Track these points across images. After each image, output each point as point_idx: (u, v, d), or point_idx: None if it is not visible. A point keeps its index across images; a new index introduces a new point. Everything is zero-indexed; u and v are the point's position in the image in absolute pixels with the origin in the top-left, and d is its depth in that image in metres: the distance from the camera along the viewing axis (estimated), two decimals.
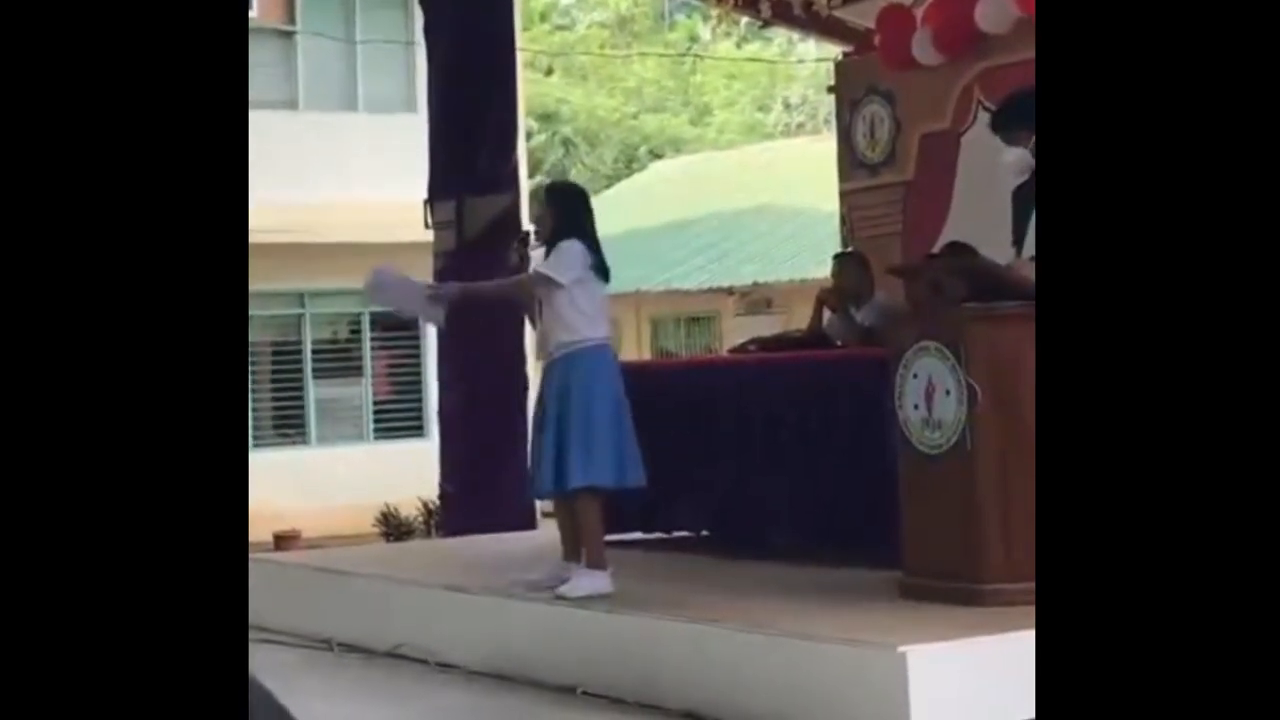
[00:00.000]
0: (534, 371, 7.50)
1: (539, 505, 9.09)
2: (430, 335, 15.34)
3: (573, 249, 6.37)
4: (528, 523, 9.34)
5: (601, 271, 6.40)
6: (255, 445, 17.84)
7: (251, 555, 11.11)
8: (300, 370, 18.36)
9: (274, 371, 18.46)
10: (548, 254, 6.51)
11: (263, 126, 16.91)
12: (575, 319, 6.35)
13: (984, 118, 7.69)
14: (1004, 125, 5.97)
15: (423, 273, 12.90)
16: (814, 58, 25.34)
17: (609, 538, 6.60)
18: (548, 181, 10.61)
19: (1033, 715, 3.11)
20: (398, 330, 18.50)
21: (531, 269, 6.46)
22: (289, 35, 18.42)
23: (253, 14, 17.43)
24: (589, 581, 6.23)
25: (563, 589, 6.21)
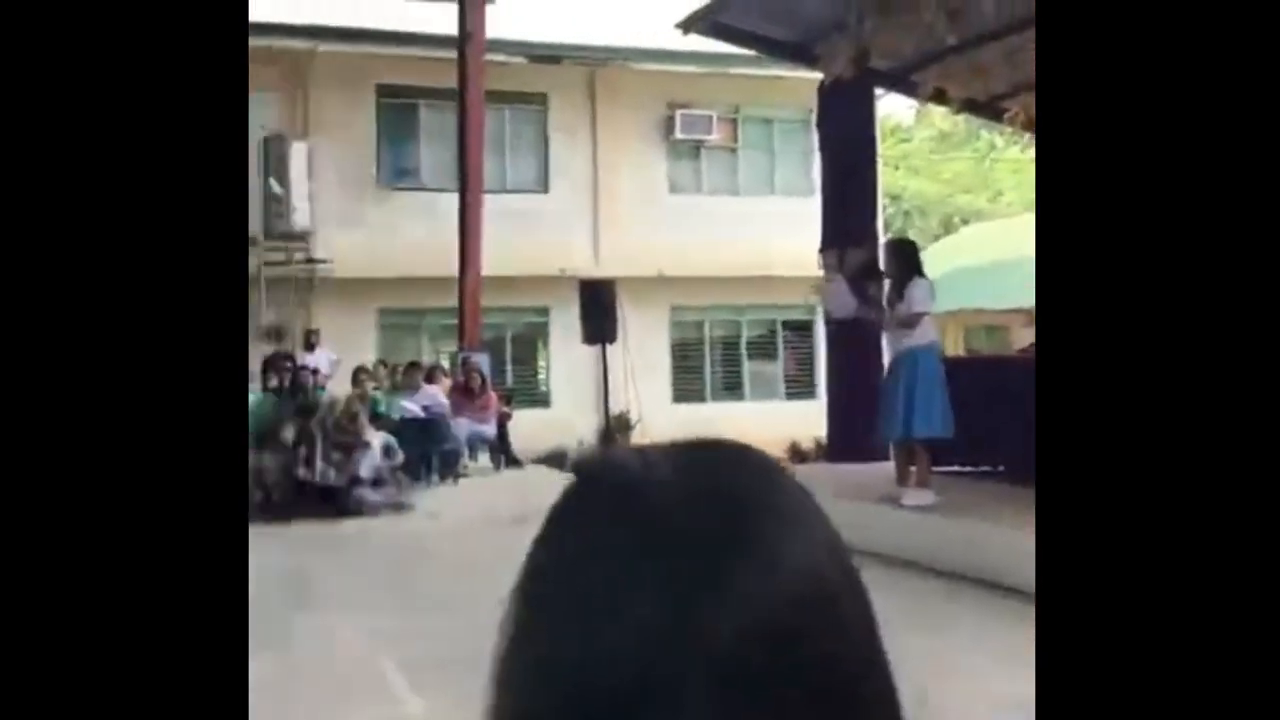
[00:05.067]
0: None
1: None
2: (820, 334, 18.02)
3: (925, 287, 7.91)
4: (881, 457, 10.21)
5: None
6: (704, 399, 21.56)
7: None
8: (738, 354, 22.39)
9: (723, 354, 22.33)
10: (894, 288, 8.04)
11: (715, 209, 21.63)
12: (924, 329, 8.03)
13: None
14: None
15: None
16: None
17: (940, 469, 7.97)
18: (889, 238, 11.10)
19: None
20: (799, 330, 22.35)
21: (908, 307, 7.88)
22: (733, 151, 22.38)
23: (713, 136, 21.34)
24: (924, 496, 7.98)
25: (908, 499, 7.85)
